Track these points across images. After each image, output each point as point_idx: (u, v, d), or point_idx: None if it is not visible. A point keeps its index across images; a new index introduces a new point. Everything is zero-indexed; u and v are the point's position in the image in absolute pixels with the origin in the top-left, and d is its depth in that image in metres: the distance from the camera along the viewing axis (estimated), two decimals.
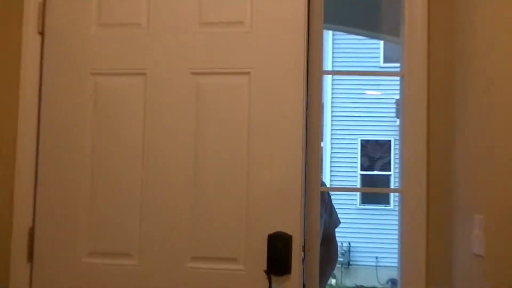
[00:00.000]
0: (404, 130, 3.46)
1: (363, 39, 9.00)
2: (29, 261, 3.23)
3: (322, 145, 2.80)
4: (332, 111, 12.50)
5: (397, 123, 11.62)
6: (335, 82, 11.01)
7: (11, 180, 3.26)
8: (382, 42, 11.01)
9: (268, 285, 2.68)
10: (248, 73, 3.06)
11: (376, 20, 4.43)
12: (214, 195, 3.21)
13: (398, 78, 3.74)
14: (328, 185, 10.54)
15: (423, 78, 3.36)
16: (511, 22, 2.61)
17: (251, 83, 2.98)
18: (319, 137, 3.19)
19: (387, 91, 11.59)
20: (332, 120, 12.84)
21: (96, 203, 3.26)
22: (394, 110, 11.55)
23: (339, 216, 4.42)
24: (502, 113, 2.60)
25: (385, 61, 12.30)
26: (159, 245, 3.19)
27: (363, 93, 10.95)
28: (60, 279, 3.24)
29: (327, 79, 10.68)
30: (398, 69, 3.75)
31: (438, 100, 3.37)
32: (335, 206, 4.24)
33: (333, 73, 3.29)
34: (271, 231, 2.86)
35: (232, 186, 3.21)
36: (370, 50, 11.84)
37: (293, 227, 2.88)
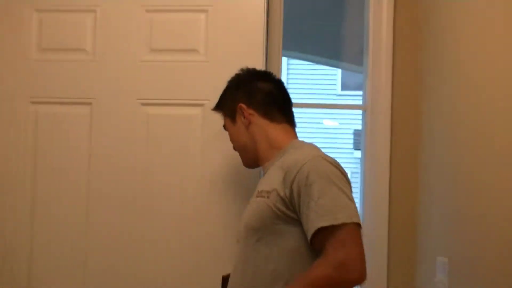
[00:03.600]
0: (365, 167, 3.70)
1: (320, 66, 9.26)
2: None
3: None
4: None
5: (354, 154, 12.41)
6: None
7: None
8: (339, 70, 11.49)
9: None
10: (202, 105, 3.25)
11: (337, 49, 4.62)
12: (153, 228, 3.45)
13: (351, 109, 3.84)
14: None
15: (386, 112, 3.59)
16: (474, 60, 2.78)
17: (205, 116, 3.19)
18: None
19: (345, 121, 11.89)
20: None
21: (35, 232, 3.47)
22: (351, 140, 11.81)
23: None
24: (468, 156, 2.77)
25: (343, 88, 13.02)
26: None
27: (321, 123, 11.25)
28: None
29: None
30: (356, 97, 3.84)
31: (402, 134, 3.61)
32: None
33: (297, 105, 3.45)
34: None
35: (173, 217, 3.44)
36: (327, 77, 12.23)
37: None
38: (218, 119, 2.91)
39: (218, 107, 2.86)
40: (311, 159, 2.42)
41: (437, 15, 3.35)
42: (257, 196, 2.52)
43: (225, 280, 2.83)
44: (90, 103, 3.40)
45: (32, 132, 3.43)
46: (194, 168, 3.38)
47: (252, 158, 2.78)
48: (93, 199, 3.39)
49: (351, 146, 12.11)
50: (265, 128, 2.72)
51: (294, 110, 2.92)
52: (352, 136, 12.14)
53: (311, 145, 2.67)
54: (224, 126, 2.85)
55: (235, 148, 2.84)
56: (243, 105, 2.71)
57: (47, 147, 3.42)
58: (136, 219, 3.38)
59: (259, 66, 3.24)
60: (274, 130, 2.71)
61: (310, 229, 2.31)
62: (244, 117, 2.71)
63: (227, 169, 3.38)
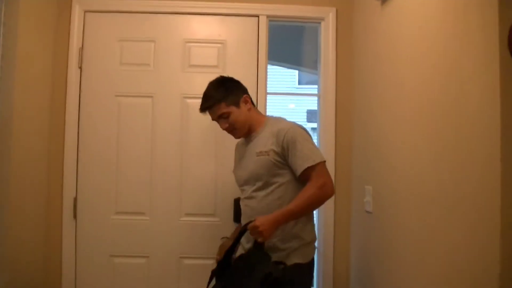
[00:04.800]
0: (320, 133, 4.01)
1: (284, 69, 9.67)
2: (74, 218, 3.84)
3: None
4: None
5: (307, 125, 12.89)
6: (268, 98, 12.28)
7: (61, 167, 3.84)
8: (297, 71, 12.05)
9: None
10: None
11: (299, 57, 4.95)
12: (193, 173, 3.88)
13: (310, 96, 4.01)
14: None
15: (332, 98, 3.92)
16: (381, 66, 3.14)
17: None
18: None
19: (301, 104, 12.49)
20: None
21: (120, 179, 3.88)
22: (305, 117, 12.56)
23: None
24: (385, 118, 3.06)
25: (299, 83, 14.11)
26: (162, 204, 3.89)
27: (287, 106, 11.93)
28: (95, 231, 3.86)
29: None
30: (307, 89, 3.66)
31: (342, 112, 3.92)
32: None
33: (273, 93, 3.66)
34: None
35: (204, 167, 3.90)
36: (288, 76, 12.94)
37: None
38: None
39: (226, 100, 2.96)
40: (291, 127, 2.87)
41: (360, 38, 3.67)
42: (258, 155, 2.87)
43: (236, 200, 3.26)
44: (151, 96, 3.89)
45: (117, 114, 3.89)
46: (210, 133, 3.86)
47: (246, 132, 3.03)
48: (156, 152, 3.88)
49: (305, 120, 13.01)
50: (254, 112, 3.06)
51: (275, 97, 3.41)
52: (305, 114, 12.94)
53: (282, 118, 3.05)
54: (224, 114, 2.96)
55: (233, 126, 2.97)
56: (247, 96, 3.03)
57: (126, 122, 3.88)
58: (179, 166, 3.86)
59: (253, 73, 3.81)
60: (257, 113, 3.09)
61: (300, 168, 2.78)
62: (247, 104, 3.00)
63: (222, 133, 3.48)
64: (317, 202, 2.82)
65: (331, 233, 3.89)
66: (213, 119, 3.03)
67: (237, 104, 2.98)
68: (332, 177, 3.48)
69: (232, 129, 3.00)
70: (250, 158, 2.95)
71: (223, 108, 2.96)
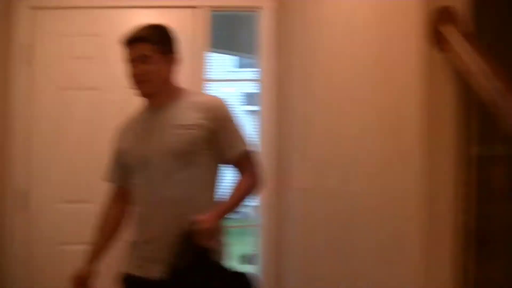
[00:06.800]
0: (262, 116, 4.19)
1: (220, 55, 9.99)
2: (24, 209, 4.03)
3: None
4: None
5: (243, 108, 13.60)
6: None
7: (9, 161, 4.00)
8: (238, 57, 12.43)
9: None
10: None
11: (237, 44, 5.23)
12: None
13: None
14: None
15: (273, 83, 4.14)
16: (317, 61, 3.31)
17: None
18: None
19: (237, 87, 12.86)
20: None
21: (68, 169, 4.08)
22: (242, 99, 12.91)
23: None
24: (314, 105, 3.30)
25: (240, 67, 14.72)
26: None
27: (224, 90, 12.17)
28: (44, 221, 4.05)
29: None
30: (248, 74, 3.90)
31: (282, 96, 4.08)
32: None
33: (213, 80, 3.74)
34: None
35: None
36: (230, 61, 13.44)
37: None
38: None
39: (155, 44, 2.51)
40: (223, 102, 2.54)
41: (297, 26, 3.71)
42: (180, 129, 2.45)
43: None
44: (97, 88, 4.07)
45: (63, 106, 4.08)
46: None
47: (156, 93, 2.56)
48: (99, 142, 3.83)
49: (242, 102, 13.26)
50: (175, 78, 2.64)
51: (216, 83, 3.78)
52: (242, 96, 13.55)
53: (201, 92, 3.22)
54: (144, 57, 2.48)
55: (148, 77, 2.49)
56: (178, 59, 2.64)
57: (71, 114, 4.07)
58: None
59: (198, 62, 4.05)
60: (176, 81, 2.66)
61: (236, 150, 2.51)
62: (174, 65, 2.60)
63: None
64: (252, 194, 2.56)
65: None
66: (128, 59, 2.51)
67: (165, 57, 2.55)
68: (275, 158, 3.98)
69: (144, 80, 2.49)
70: (164, 131, 2.51)
71: (147, 50, 2.48)
